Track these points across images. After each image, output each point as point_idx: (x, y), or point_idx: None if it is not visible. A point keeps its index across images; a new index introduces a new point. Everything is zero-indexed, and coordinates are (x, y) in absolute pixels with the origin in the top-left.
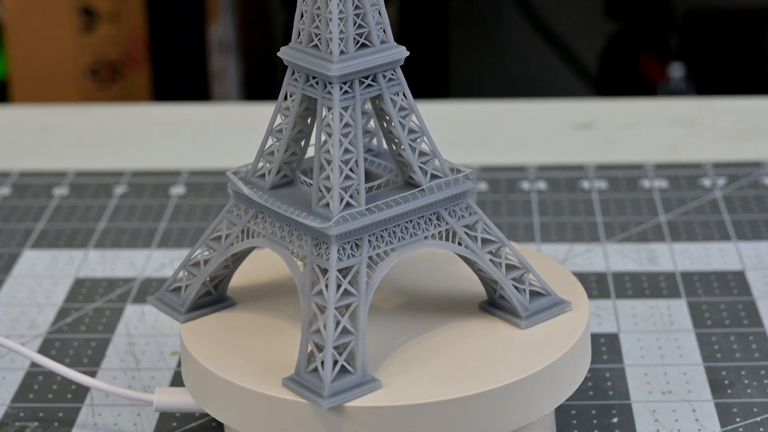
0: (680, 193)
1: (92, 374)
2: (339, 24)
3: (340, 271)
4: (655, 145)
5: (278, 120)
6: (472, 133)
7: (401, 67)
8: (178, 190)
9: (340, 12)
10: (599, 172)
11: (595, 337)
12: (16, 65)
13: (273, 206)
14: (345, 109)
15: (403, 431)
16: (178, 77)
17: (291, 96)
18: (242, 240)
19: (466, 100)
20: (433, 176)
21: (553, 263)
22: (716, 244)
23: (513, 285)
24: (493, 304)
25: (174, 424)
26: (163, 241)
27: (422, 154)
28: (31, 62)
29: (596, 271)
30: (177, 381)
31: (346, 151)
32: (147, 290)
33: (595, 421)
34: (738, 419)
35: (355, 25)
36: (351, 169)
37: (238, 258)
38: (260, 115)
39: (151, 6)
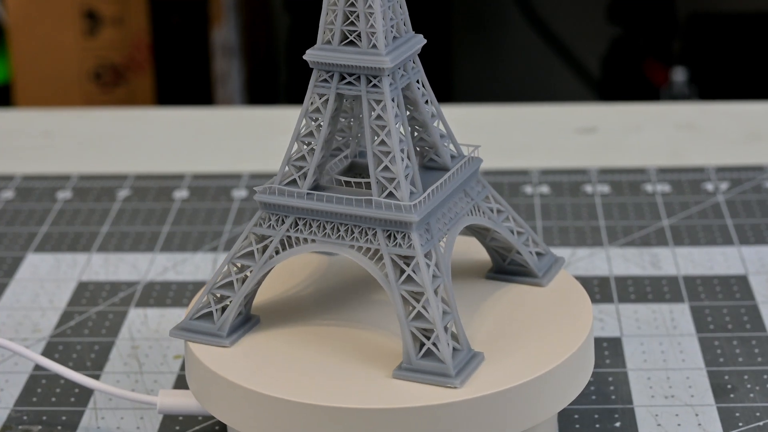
0: (683, 198)
1: (95, 377)
2: (330, 14)
3: (260, 237)
4: (658, 149)
5: None
6: (474, 137)
7: None
8: (181, 194)
9: (333, 4)
10: (602, 176)
11: (598, 341)
12: (20, 69)
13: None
14: (321, 95)
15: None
16: (182, 81)
17: None
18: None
19: (469, 104)
20: (391, 195)
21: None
22: (719, 249)
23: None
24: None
25: (177, 427)
26: (166, 245)
27: (388, 169)
28: (34, 66)
29: (599, 275)
30: (180, 384)
31: (310, 134)
32: (150, 293)
33: (597, 426)
34: (741, 424)
35: (346, 21)
36: (310, 152)
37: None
38: (263, 118)
39: (154, 10)
